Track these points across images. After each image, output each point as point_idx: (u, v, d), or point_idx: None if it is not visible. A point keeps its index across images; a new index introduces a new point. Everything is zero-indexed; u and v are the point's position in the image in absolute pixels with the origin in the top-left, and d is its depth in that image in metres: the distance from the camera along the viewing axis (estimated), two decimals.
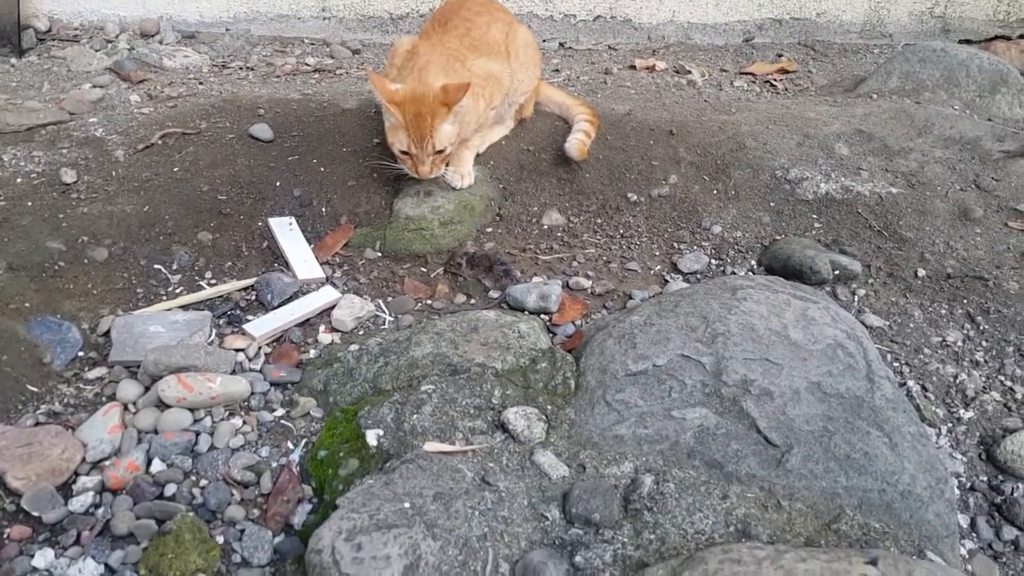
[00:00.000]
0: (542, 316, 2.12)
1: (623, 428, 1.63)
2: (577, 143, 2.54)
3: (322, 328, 2.07)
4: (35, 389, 1.80)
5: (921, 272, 2.32)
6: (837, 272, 2.26)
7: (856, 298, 2.25)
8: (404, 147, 2.27)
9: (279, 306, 2.10)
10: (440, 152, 2.29)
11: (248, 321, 2.04)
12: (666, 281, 2.30)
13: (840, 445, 1.58)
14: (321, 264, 2.26)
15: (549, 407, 1.72)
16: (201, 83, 3.16)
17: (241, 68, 3.38)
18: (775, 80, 3.55)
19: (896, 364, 2.05)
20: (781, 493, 1.52)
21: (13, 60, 3.34)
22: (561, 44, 3.96)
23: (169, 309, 2.04)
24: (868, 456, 1.57)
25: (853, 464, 1.56)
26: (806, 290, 2.00)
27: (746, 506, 1.49)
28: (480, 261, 2.26)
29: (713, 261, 2.37)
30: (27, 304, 1.95)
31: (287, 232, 2.31)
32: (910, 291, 2.29)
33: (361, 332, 2.06)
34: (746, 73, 3.62)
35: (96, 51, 3.41)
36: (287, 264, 2.24)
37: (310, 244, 2.31)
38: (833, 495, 1.52)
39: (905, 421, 1.65)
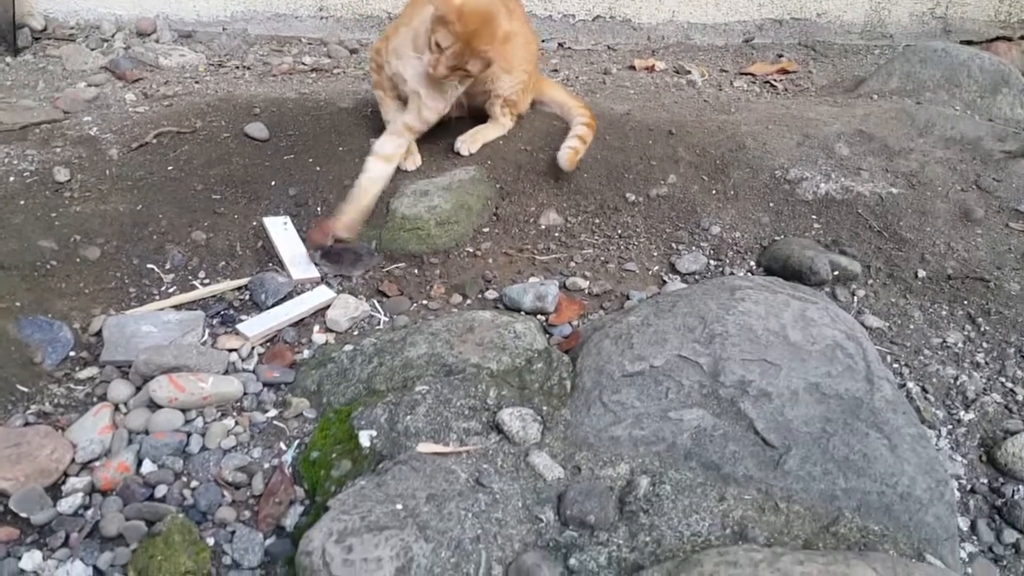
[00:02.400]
0: (539, 316, 2.10)
1: (619, 429, 1.61)
2: (568, 153, 2.51)
3: (316, 328, 2.05)
4: (25, 389, 1.77)
5: (921, 273, 2.30)
6: (836, 273, 2.24)
7: (856, 299, 2.23)
8: (446, 43, 2.27)
9: (273, 306, 2.08)
10: (462, 70, 2.33)
11: (241, 321, 2.02)
12: (664, 282, 2.28)
13: (839, 447, 1.56)
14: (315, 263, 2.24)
15: (545, 408, 1.70)
16: (197, 82, 3.14)
17: (238, 67, 3.37)
18: (775, 80, 3.53)
19: (896, 365, 2.03)
20: (779, 495, 1.50)
21: (8, 59, 3.32)
22: (560, 44, 3.94)
23: (162, 309, 2.02)
24: (867, 458, 1.55)
25: (852, 466, 1.54)
26: (805, 291, 1.98)
27: (743, 508, 1.47)
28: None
29: (712, 261, 2.35)
30: (18, 303, 1.93)
31: (282, 232, 2.29)
32: (910, 292, 2.27)
33: (356, 332, 2.04)
34: (746, 73, 3.60)
35: (92, 50, 3.40)
36: (281, 264, 2.22)
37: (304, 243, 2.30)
38: (832, 497, 1.50)
39: (905, 423, 1.63)
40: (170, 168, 2.41)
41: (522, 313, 2.08)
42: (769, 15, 4.06)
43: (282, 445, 1.72)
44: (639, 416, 1.63)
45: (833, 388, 1.66)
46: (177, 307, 2.04)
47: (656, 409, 1.63)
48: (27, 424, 1.69)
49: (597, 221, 2.49)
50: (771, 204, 2.51)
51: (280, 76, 3.28)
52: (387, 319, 2.09)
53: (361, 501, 1.40)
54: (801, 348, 1.73)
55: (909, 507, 1.49)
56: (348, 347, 1.94)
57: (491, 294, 2.20)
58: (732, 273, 2.30)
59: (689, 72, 3.53)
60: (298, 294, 2.13)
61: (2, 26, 3.38)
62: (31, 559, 1.43)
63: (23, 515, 1.50)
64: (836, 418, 1.61)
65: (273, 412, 1.79)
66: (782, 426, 1.58)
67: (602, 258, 2.37)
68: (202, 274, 2.17)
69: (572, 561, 1.36)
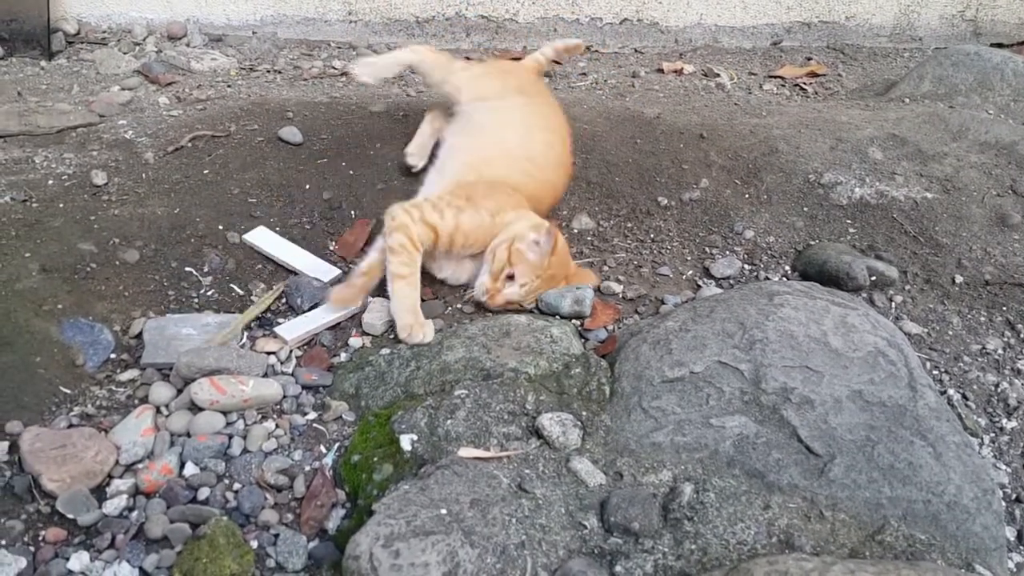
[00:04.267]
0: (573, 321, 2.09)
1: (661, 436, 1.61)
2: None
3: (352, 332, 2.06)
4: (68, 391, 1.79)
5: (959, 278, 2.28)
6: (873, 278, 2.23)
7: (893, 305, 2.22)
8: (524, 280, 2.07)
9: (309, 309, 2.09)
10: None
11: (279, 324, 2.03)
12: (699, 286, 2.27)
13: (883, 455, 1.55)
14: (349, 262, 2.24)
15: (584, 413, 1.69)
16: (229, 86, 3.16)
17: (269, 71, 3.38)
18: (805, 84, 3.51)
19: (936, 372, 2.01)
20: (824, 503, 1.49)
21: (43, 63, 3.35)
22: (587, 47, 3.94)
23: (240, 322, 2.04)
24: (912, 466, 1.54)
25: (897, 474, 1.52)
26: (844, 296, 1.97)
27: (788, 516, 1.46)
28: None
29: (746, 266, 2.34)
30: (60, 306, 1.95)
31: (275, 242, 2.26)
32: (948, 298, 2.25)
33: (392, 336, 2.05)
34: (775, 76, 3.58)
35: (124, 54, 3.42)
36: (296, 272, 2.20)
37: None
38: (877, 506, 1.49)
39: (949, 430, 1.62)
40: (206, 172, 2.43)
41: (557, 317, 2.07)
42: (797, 18, 4.03)
43: (322, 448, 1.72)
44: (680, 422, 1.62)
45: (876, 395, 1.65)
46: (216, 311, 2.06)
47: (697, 416, 1.63)
48: (71, 426, 1.70)
49: (629, 225, 2.49)
50: (805, 208, 2.49)
51: (311, 80, 3.30)
52: None
53: (406, 506, 1.40)
54: (843, 355, 1.72)
55: (956, 516, 1.48)
56: (385, 351, 1.95)
57: None
58: (767, 278, 2.29)
59: (718, 75, 3.51)
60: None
61: (37, 31, 3.41)
62: (79, 560, 1.44)
63: (70, 516, 1.51)
64: (880, 426, 1.60)
65: (312, 415, 1.80)
66: (826, 434, 1.58)
67: (635, 262, 2.36)
68: (239, 277, 2.17)
69: (618, 568, 1.35)
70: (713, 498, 1.47)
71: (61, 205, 2.24)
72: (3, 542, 1.45)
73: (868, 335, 1.78)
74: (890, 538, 1.44)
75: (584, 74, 3.55)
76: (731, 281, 2.28)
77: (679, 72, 3.57)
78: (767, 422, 1.60)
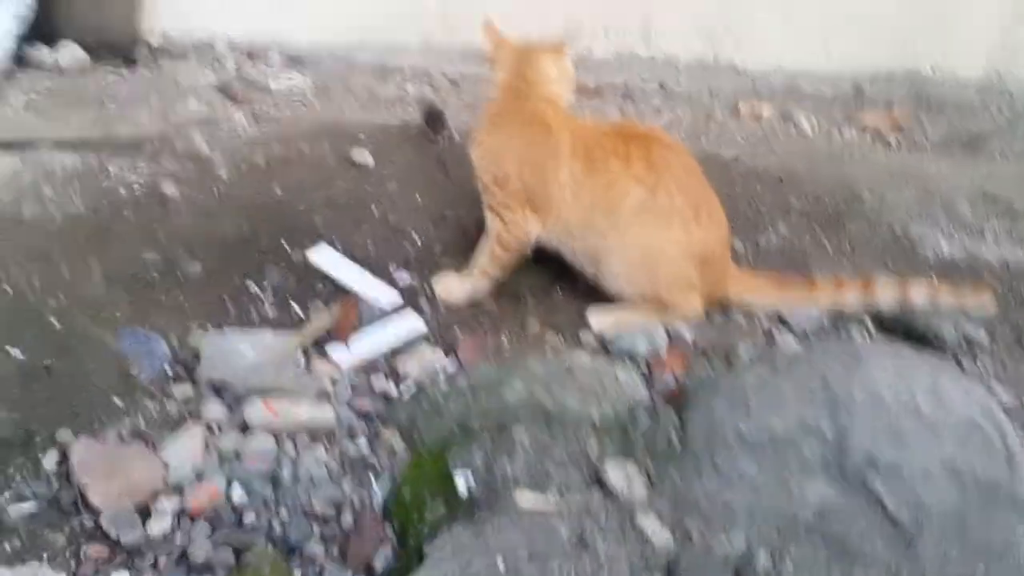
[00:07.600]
0: (640, 366, 2.00)
1: (733, 496, 1.50)
2: None
3: (407, 360, 1.99)
4: (120, 403, 1.75)
5: None
6: (962, 340, 2.09)
7: (982, 369, 2.08)
8: None
9: (367, 331, 2.03)
10: None
11: (334, 347, 1.98)
12: (773, 336, 2.15)
13: (977, 531, 1.42)
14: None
15: (650, 464, 1.60)
16: (304, 106, 3.18)
17: (343, 93, 3.39)
18: (887, 133, 3.39)
19: None
20: None
21: (125, 72, 3.41)
22: (661, 85, 3.87)
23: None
24: (1009, 544, 1.41)
25: (992, 553, 1.40)
26: (933, 358, 1.85)
27: None
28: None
29: (826, 319, 2.22)
30: (118, 314, 1.94)
31: (337, 262, 2.21)
32: None
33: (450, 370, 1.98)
34: (857, 124, 3.47)
35: (204, 68, 3.47)
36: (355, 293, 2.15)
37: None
38: None
39: None
40: (276, 191, 2.42)
41: (626, 360, 1.99)
42: (881, 67, 3.91)
43: (372, 479, 1.66)
44: (755, 484, 1.52)
45: (970, 469, 1.52)
46: (274, 328, 2.02)
47: (774, 478, 1.52)
48: (121, 439, 1.66)
49: None
50: (889, 261, 2.37)
51: (384, 104, 3.30)
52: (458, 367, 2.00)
53: (460, 551, 1.33)
54: (934, 422, 1.59)
55: None
56: (442, 383, 1.88)
57: (588, 337, 2.11)
58: (848, 333, 2.17)
59: (798, 120, 3.41)
60: (387, 317, 2.07)
61: (122, 41, 3.48)
62: None
63: (113, 534, 1.46)
64: (973, 501, 1.47)
65: (364, 444, 1.74)
66: (914, 505, 1.45)
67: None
68: (299, 296, 2.14)
69: None
70: (791, 567, 1.36)
71: (127, 213, 2.24)
72: (45, 556, 1.41)
73: (960, 401, 1.65)
74: None
75: (658, 112, 3.49)
76: (809, 334, 2.16)
77: (757, 115, 3.48)
78: (851, 489, 1.49)
